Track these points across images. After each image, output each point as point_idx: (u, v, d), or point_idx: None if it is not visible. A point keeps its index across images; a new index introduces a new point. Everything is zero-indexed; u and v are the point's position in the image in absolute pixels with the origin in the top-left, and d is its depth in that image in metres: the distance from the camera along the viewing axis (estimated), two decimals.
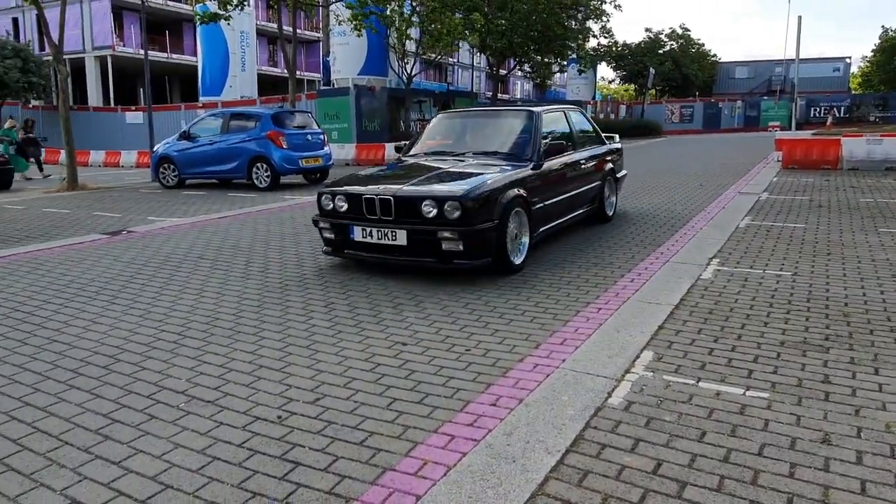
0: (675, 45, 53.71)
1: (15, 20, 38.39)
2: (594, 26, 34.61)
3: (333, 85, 28.37)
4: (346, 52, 27.50)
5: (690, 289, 4.75)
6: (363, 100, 23.91)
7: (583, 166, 6.86)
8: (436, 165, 5.97)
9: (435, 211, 4.91)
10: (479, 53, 36.75)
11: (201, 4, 18.85)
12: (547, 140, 6.16)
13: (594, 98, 50.84)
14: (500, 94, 36.55)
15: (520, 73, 44.97)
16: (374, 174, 6.15)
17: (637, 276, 5.21)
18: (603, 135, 8.14)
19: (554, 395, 3.01)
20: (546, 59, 34.97)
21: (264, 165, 12.93)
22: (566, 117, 7.10)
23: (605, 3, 32.53)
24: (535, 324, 4.08)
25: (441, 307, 4.49)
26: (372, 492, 2.29)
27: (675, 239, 6.68)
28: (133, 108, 32.71)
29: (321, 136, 13.99)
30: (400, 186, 5.25)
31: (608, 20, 33.93)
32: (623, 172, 8.43)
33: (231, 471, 2.46)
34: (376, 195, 5.19)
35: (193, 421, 2.87)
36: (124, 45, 35.89)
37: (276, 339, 3.95)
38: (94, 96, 36.34)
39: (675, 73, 52.70)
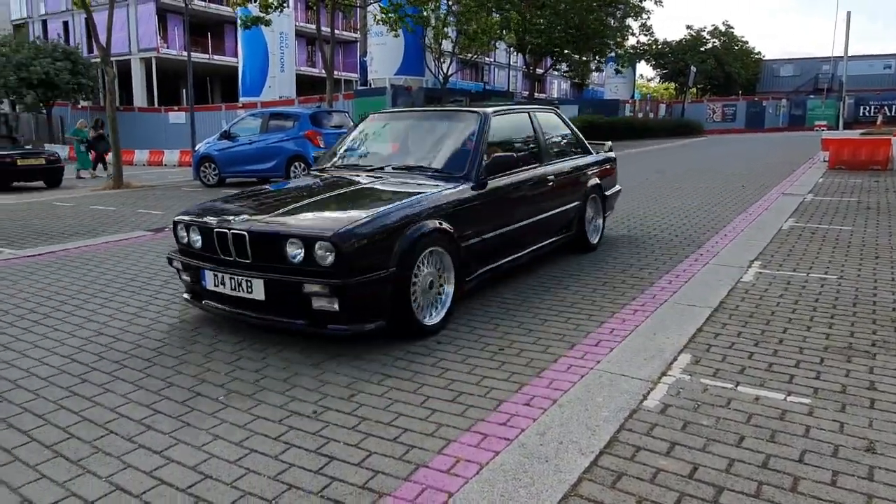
0: (717, 43, 52.61)
1: (65, 24, 39.78)
2: (633, 24, 34.19)
3: (370, 85, 28.64)
4: (383, 53, 27.73)
5: (730, 291, 4.66)
6: (400, 99, 24.06)
7: (552, 183, 5.31)
8: (339, 184, 4.60)
9: (302, 254, 3.52)
10: (515, 53, 36.63)
11: (242, 8, 19.24)
12: (495, 152, 4.74)
13: (633, 97, 50.12)
14: (536, 94, 36.32)
15: (556, 73, 44.58)
16: (254, 194, 4.78)
17: (675, 277, 5.13)
18: (595, 141, 6.91)
19: (588, 396, 2.99)
20: (584, 58, 34.64)
21: (301, 164, 13.12)
22: (531, 121, 5.53)
23: None
24: (569, 324, 4.05)
25: (475, 305, 4.49)
26: (405, 488, 2.31)
27: (715, 241, 6.56)
28: (176, 108, 33.56)
29: None
30: (263, 217, 3.90)
31: (648, 17, 33.49)
32: (615, 189, 6.78)
33: (268, 463, 2.51)
34: (229, 229, 3.79)
35: (232, 414, 2.93)
36: (168, 47, 36.86)
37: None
38: (138, 97, 37.40)
39: (718, 71, 51.64)
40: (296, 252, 3.55)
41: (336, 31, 22.84)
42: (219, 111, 30.57)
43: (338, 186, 4.53)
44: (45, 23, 41.03)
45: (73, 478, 2.44)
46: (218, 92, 42.21)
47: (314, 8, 24.51)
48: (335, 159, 5.33)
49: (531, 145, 5.40)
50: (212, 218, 4.02)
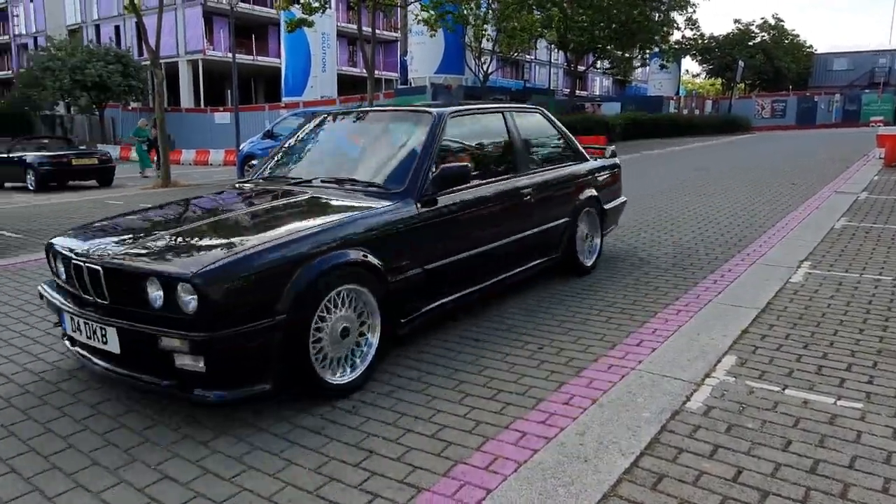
0: (766, 37, 51.14)
1: (117, 28, 41.11)
2: (679, 18, 33.49)
3: (411, 84, 28.78)
4: (423, 51, 27.84)
5: (779, 292, 4.53)
6: (440, 98, 24.10)
7: (530, 197, 4.44)
8: (247, 202, 3.85)
9: (162, 297, 2.73)
10: (557, 50, 36.32)
11: (286, 11, 19.59)
12: (455, 160, 3.95)
13: (678, 93, 49.11)
14: (577, 91, 35.91)
15: (598, 69, 44.03)
16: (146, 212, 4.02)
17: (720, 277, 5.01)
18: (594, 145, 6.33)
19: (629, 396, 2.95)
20: (627, 54, 34.11)
21: None
22: (506, 124, 4.63)
23: None
24: (610, 324, 4.00)
25: (514, 303, 4.48)
26: (443, 483, 2.33)
27: (762, 240, 6.38)
28: (221, 108, 34.36)
29: None
30: (125, 247, 3.11)
31: (694, 10, 32.74)
32: (619, 201, 5.82)
33: (308, 455, 2.56)
34: (85, 261, 3.00)
35: (270, 408, 3.00)
36: (214, 49, 37.74)
37: None
38: (185, 98, 38.42)
39: (767, 65, 50.21)
40: (156, 294, 2.74)
41: (377, 31, 23.04)
42: (262, 111, 31.18)
43: (242, 205, 3.77)
44: (97, 27, 42.48)
45: None
46: (261, 92, 43.03)
47: (355, 8, 24.77)
48: (263, 169, 4.54)
49: (503, 153, 4.60)
50: (79, 244, 3.22)
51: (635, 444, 2.54)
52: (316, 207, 3.56)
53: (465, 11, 21.46)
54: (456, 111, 4.25)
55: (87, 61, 30.11)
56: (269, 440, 2.69)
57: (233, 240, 3.02)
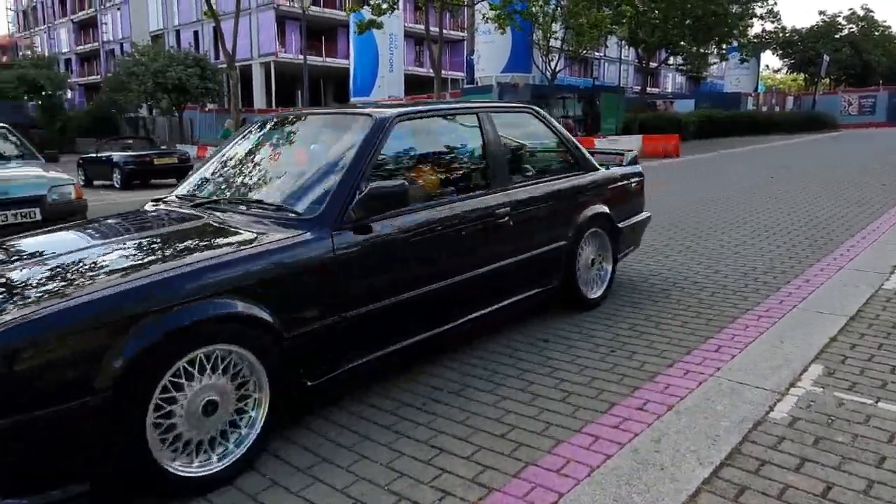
0: (854, 29, 48.36)
1: (195, 33, 42.97)
2: (759, 10, 32.07)
3: (477, 83, 28.78)
4: (490, 50, 27.78)
5: (870, 299, 4.26)
6: (506, 97, 24.00)
7: (508, 218, 3.60)
8: (122, 232, 3.17)
9: None
10: (627, 46, 35.49)
11: (356, 12, 19.97)
12: (403, 175, 3.29)
13: (756, 89, 47.08)
14: (648, 88, 34.97)
15: (672, 65, 42.70)
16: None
17: (805, 282, 4.77)
18: (611, 150, 5.25)
19: (707, 403, 2.84)
20: (702, 50, 32.92)
21: None
22: (481, 128, 3.74)
23: None
24: (685, 329, 3.87)
25: (585, 306, 4.40)
26: (514, 484, 2.31)
27: (850, 244, 6.03)
28: (291, 109, 35.36)
29: None
30: None
31: (775, 2, 31.30)
32: (638, 217, 4.87)
33: (378, 450, 2.59)
34: None
35: (346, 404, 3.05)
36: (285, 52, 38.87)
37: None
38: (258, 99, 39.74)
39: (854, 59, 47.50)
40: None
41: (444, 31, 23.15)
42: None
43: (113, 237, 3.07)
44: (178, 33, 44.52)
45: None
46: (330, 93, 44.01)
47: (423, 8, 24.96)
48: (183, 186, 3.75)
49: (473, 164, 3.80)
50: None
51: (714, 453, 2.44)
52: (199, 240, 2.81)
53: (534, 9, 21.26)
54: (405, 113, 3.42)
55: (168, 65, 31.60)
56: (341, 433, 2.74)
57: (52, 288, 2.33)
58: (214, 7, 15.37)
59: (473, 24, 28.32)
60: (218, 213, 3.12)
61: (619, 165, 4.88)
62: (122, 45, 47.34)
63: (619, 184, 4.66)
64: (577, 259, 4.15)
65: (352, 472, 2.44)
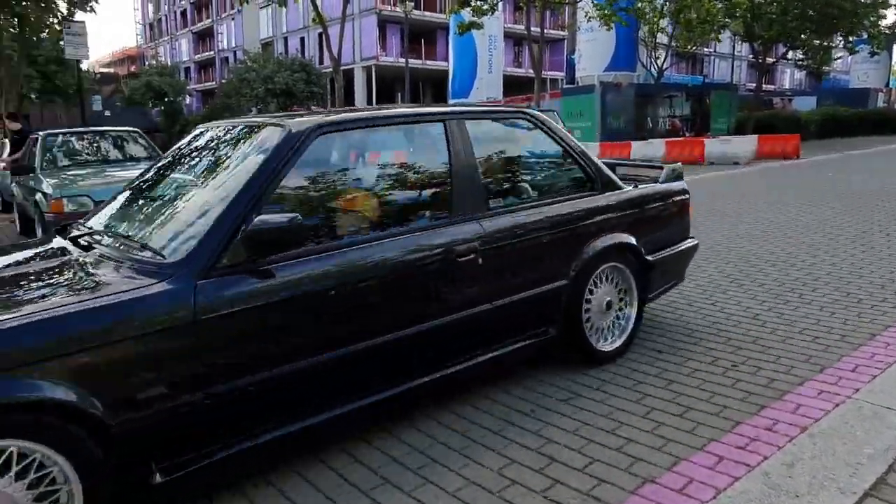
0: None
1: (302, 39, 44.97)
2: None
3: (578, 83, 28.25)
4: (592, 49, 27.18)
5: None
6: (608, 97, 23.39)
7: (475, 255, 2.84)
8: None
9: None
10: (741, 41, 33.57)
11: (456, 14, 20.14)
12: (272, 217, 2.24)
13: (888, 85, 43.13)
14: (764, 85, 32.87)
15: (790, 60, 39.93)
16: None
17: None
18: (643, 162, 4.29)
19: (846, 428, 2.60)
20: (826, 43, 30.51)
21: None
22: (448, 140, 2.97)
23: None
24: (817, 344, 3.57)
25: (703, 316, 4.17)
26: (633, 502, 2.20)
27: None
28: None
29: None
30: None
31: None
32: (680, 247, 3.89)
33: (487, 455, 2.56)
34: None
35: (453, 404, 3.04)
36: (386, 55, 39.84)
37: None
38: (360, 102, 40.98)
39: None
40: None
41: (544, 30, 22.89)
42: None
43: None
44: (286, 40, 46.72)
45: None
46: (429, 95, 44.68)
47: (523, 8, 24.79)
48: (101, 208, 3.13)
49: (429, 187, 3.03)
50: None
51: (857, 482, 2.22)
52: (27, 289, 2.25)
53: (641, 4, 20.58)
54: (331, 123, 2.68)
55: (277, 71, 33.28)
56: (452, 436, 2.73)
57: None
58: (322, 13, 16.02)
59: (575, 22, 27.81)
60: (89, 252, 2.51)
61: (657, 182, 3.88)
62: (234, 52, 50.34)
63: (652, 205, 3.70)
64: (583, 302, 3.28)
65: (461, 475, 2.42)
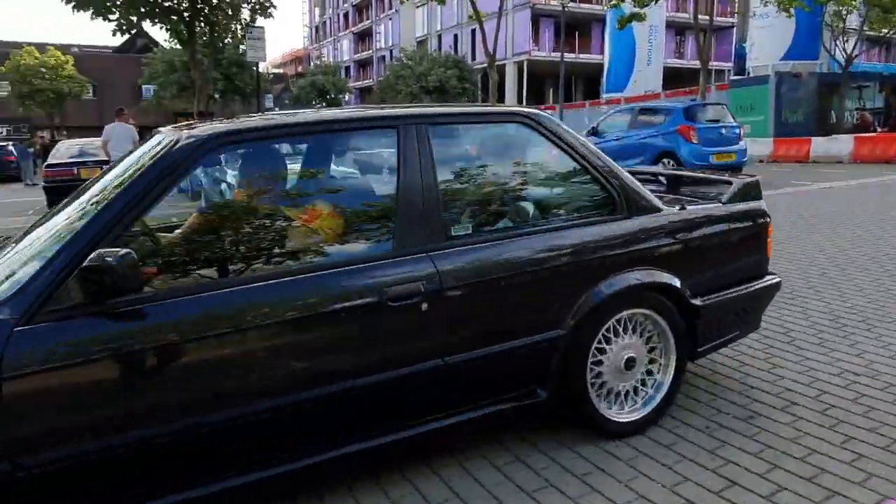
0: None
1: (455, 36, 45.94)
2: None
3: (748, 73, 26.16)
4: (767, 36, 24.92)
5: None
6: (784, 88, 21.40)
7: (419, 299, 2.22)
8: None
9: None
10: None
11: (616, 8, 19.46)
12: (108, 251, 1.76)
13: None
14: None
15: None
16: None
17: None
18: (708, 174, 3.53)
19: None
20: None
21: (670, 161, 12.70)
22: (402, 153, 2.34)
23: None
24: None
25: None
26: None
27: None
28: (542, 106, 35.89)
29: (737, 131, 13.11)
30: None
31: None
32: (752, 287, 3.00)
33: (664, 473, 2.44)
34: None
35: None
36: (538, 50, 39.53)
37: None
38: (510, 97, 41.07)
39: None
40: None
41: (712, 18, 21.46)
42: (582, 108, 31.63)
43: None
44: (440, 37, 47.97)
45: None
46: (580, 89, 43.74)
47: None
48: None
49: (362, 216, 2.50)
50: None
51: None
52: None
53: None
54: (231, 133, 2.18)
55: (431, 68, 34.28)
56: (619, 447, 2.63)
57: None
58: (478, 10, 16.23)
59: (747, 8, 25.73)
60: None
61: (708, 203, 3.01)
62: (391, 51, 52.59)
63: (704, 233, 2.86)
64: (589, 358, 2.58)
65: (630, 487, 2.32)
